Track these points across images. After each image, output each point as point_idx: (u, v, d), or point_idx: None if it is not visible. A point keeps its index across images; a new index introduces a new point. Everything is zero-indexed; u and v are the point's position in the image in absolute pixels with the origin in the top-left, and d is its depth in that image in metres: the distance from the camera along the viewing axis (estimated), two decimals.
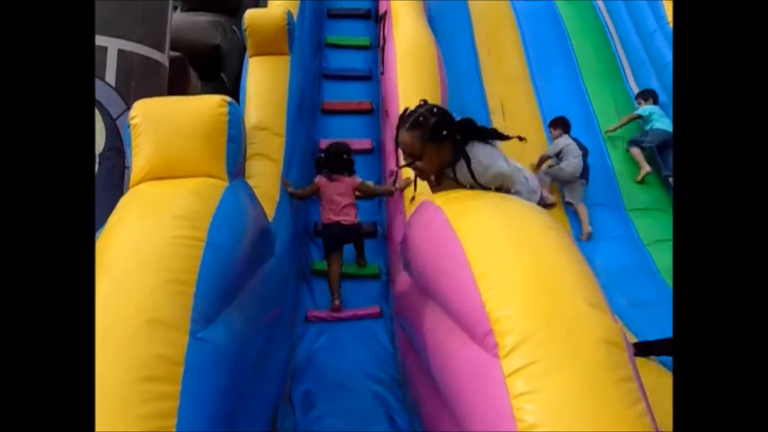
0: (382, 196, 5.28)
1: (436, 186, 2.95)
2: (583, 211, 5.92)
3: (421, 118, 2.76)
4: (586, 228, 5.84)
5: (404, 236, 3.10)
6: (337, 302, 4.57)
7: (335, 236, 4.77)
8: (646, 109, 6.59)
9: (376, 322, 4.50)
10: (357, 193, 4.87)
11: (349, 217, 4.75)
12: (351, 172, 4.86)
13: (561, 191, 6.18)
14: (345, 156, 4.83)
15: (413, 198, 4.71)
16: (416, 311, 2.89)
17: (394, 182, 4.76)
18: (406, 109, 2.88)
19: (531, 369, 1.79)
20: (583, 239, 5.72)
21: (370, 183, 5.01)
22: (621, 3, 7.80)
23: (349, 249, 4.97)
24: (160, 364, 1.88)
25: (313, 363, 4.03)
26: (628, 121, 6.66)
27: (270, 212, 3.85)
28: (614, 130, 6.67)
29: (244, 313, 2.58)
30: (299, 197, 4.85)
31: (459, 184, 2.85)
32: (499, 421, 1.78)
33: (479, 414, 1.92)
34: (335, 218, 4.73)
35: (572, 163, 5.92)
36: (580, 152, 5.96)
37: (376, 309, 4.61)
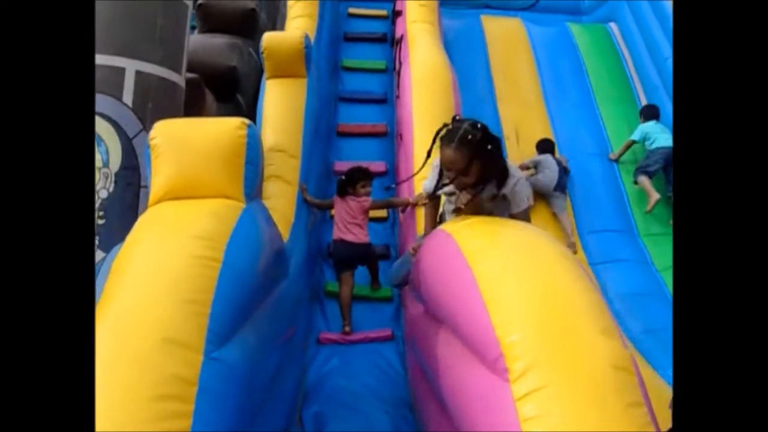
0: (396, 207, 5.27)
1: (470, 201, 3.00)
2: (566, 221, 6.12)
3: (468, 136, 2.77)
4: (569, 239, 5.99)
5: (415, 263, 3.12)
6: (347, 328, 4.58)
7: (341, 253, 4.80)
8: (637, 133, 6.62)
9: (388, 344, 4.49)
10: (368, 214, 4.89)
11: (354, 236, 4.76)
12: (366, 194, 4.89)
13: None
14: (363, 182, 4.84)
15: (404, 209, 4.75)
16: (427, 337, 2.90)
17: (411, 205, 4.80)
18: (444, 126, 2.91)
19: (540, 393, 1.81)
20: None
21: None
22: (636, 29, 7.83)
23: (363, 271, 4.98)
24: (174, 383, 1.90)
25: (324, 385, 4.03)
26: (626, 149, 6.70)
27: (285, 233, 3.89)
28: (617, 159, 6.75)
29: (259, 334, 2.59)
30: (315, 206, 4.98)
31: (494, 199, 2.94)
32: None
33: None
34: (341, 235, 4.78)
35: (547, 174, 6.18)
36: (556, 167, 6.21)
37: (387, 332, 4.60)
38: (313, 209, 5.04)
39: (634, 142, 6.64)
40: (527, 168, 6.37)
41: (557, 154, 6.53)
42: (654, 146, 6.41)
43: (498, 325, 2.00)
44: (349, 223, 4.77)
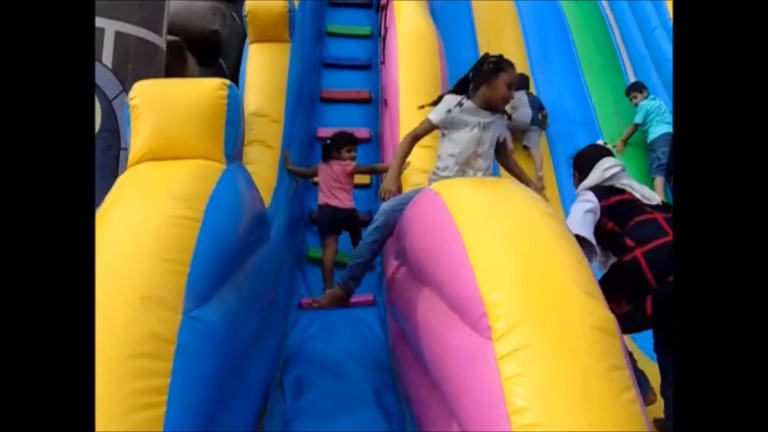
0: (379, 173, 5.22)
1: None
2: (537, 155, 6.36)
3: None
4: (537, 172, 6.14)
5: (401, 222, 3.12)
6: (329, 291, 4.59)
7: (326, 219, 4.82)
8: (640, 114, 6.46)
9: (369, 310, 4.51)
10: (352, 178, 4.91)
11: (339, 201, 4.78)
12: (351, 159, 4.91)
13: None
14: (348, 146, 4.86)
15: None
16: (409, 298, 2.91)
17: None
18: (486, 56, 3.69)
19: (523, 353, 1.82)
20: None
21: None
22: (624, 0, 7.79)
23: (345, 238, 4.98)
24: (152, 341, 1.90)
25: (305, 350, 4.04)
26: (630, 135, 6.58)
27: (267, 198, 3.87)
28: (622, 147, 6.54)
29: (238, 295, 2.59)
30: (297, 174, 4.99)
31: None
32: (490, 403, 1.81)
33: (471, 396, 1.94)
34: (326, 200, 4.79)
35: (522, 112, 6.39)
36: (528, 103, 6.44)
37: (369, 297, 4.62)
38: (296, 178, 5.01)
39: (638, 125, 6.50)
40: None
41: (532, 90, 6.70)
42: (654, 135, 6.33)
43: (483, 283, 2.00)
44: (334, 187, 4.78)
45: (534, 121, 6.43)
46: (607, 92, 7.08)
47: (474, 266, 2.07)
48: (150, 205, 2.32)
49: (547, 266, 2.04)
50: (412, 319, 2.83)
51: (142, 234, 2.19)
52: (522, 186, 2.80)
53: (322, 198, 4.82)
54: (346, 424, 3.19)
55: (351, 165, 4.83)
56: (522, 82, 6.55)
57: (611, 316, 1.95)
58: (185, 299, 2.05)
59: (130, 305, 1.96)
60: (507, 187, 2.65)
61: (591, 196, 3.23)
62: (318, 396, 3.52)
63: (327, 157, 4.83)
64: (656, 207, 3.23)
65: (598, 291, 2.03)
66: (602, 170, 3.34)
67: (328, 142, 4.90)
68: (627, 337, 4.39)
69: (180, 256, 2.14)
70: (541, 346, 1.82)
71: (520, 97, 6.39)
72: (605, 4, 8.23)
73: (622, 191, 3.29)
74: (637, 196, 3.27)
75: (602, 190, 3.27)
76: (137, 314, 1.94)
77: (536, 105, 6.51)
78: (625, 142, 6.60)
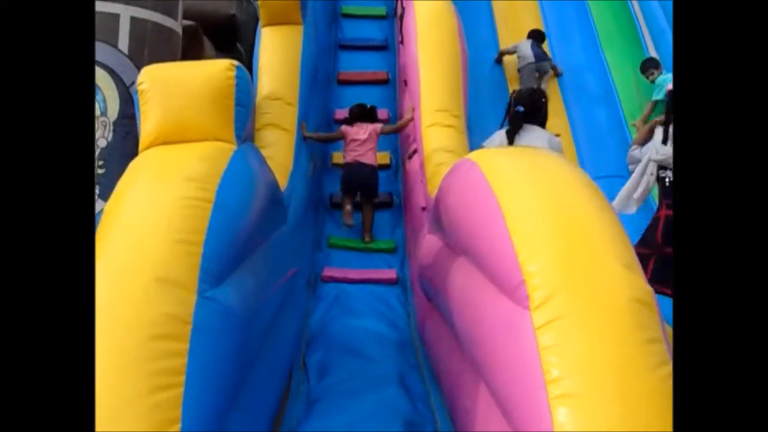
0: (404, 128, 5.29)
1: None
2: None
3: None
4: None
5: (438, 194, 3.11)
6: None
7: (352, 174, 5.03)
8: (658, 90, 6.15)
9: (392, 288, 4.51)
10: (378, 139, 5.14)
11: (368, 159, 5.00)
12: (374, 120, 5.18)
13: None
14: (368, 107, 5.22)
15: (411, 155, 4.77)
16: (445, 270, 2.91)
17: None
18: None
19: (560, 323, 1.80)
20: None
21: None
22: None
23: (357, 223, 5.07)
24: (168, 322, 1.90)
25: (328, 330, 4.05)
26: (650, 112, 6.23)
27: (283, 182, 3.85)
28: (642, 126, 6.27)
29: (256, 277, 2.59)
30: (317, 140, 5.19)
31: None
32: (527, 372, 1.80)
33: (507, 365, 1.94)
34: (354, 156, 5.00)
35: (521, 57, 6.59)
36: (531, 51, 6.55)
37: (392, 273, 4.63)
38: (314, 156, 5.07)
39: (657, 101, 6.14)
40: (508, 53, 6.82)
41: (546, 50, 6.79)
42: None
43: (521, 253, 1.99)
44: (364, 144, 5.02)
45: (538, 69, 6.51)
46: (627, 68, 6.92)
47: (512, 236, 2.06)
48: (162, 188, 2.31)
49: (585, 237, 2.02)
50: (447, 291, 2.82)
51: (156, 216, 2.18)
52: (560, 156, 2.80)
53: (351, 155, 5.02)
54: (370, 403, 3.20)
55: (379, 125, 5.12)
56: (532, 34, 6.78)
57: (649, 289, 1.92)
58: (200, 280, 2.04)
59: (146, 287, 1.96)
60: (545, 156, 2.62)
61: None
62: (342, 377, 3.53)
63: (355, 120, 5.11)
64: None
65: (636, 263, 1.99)
66: None
67: (347, 116, 5.22)
68: None
69: (194, 237, 2.13)
70: (579, 316, 1.81)
71: (520, 45, 6.66)
72: None
73: None
74: None
75: None
76: (153, 296, 1.94)
77: (541, 53, 6.61)
78: (646, 120, 6.41)
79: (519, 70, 6.63)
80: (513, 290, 1.97)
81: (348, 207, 5.00)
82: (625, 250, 2.02)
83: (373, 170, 5.06)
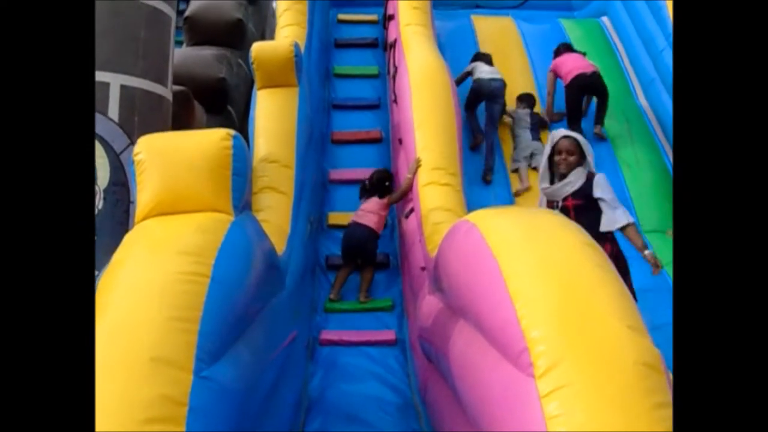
0: (408, 191, 5.14)
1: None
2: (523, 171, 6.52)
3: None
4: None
5: (437, 255, 3.08)
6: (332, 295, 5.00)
7: (348, 235, 5.10)
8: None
9: (390, 349, 4.44)
10: (387, 209, 5.25)
11: (366, 220, 5.07)
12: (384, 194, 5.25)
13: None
14: (387, 183, 5.32)
15: (407, 214, 4.75)
16: (445, 333, 2.87)
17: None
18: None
19: (565, 391, 1.77)
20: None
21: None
22: (629, 21, 7.75)
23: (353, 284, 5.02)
24: (163, 404, 1.84)
25: (326, 396, 3.98)
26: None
27: (280, 246, 3.81)
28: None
29: (253, 349, 2.53)
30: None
31: None
32: None
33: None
34: (355, 219, 5.10)
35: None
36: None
37: (390, 334, 4.56)
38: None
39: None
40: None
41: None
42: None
43: (523, 318, 1.97)
44: (367, 211, 5.10)
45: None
46: (619, 116, 7.01)
47: (514, 300, 2.03)
48: (157, 262, 2.27)
49: (588, 300, 2.00)
50: (448, 354, 2.77)
51: (150, 292, 2.13)
52: (559, 215, 2.78)
53: (353, 218, 5.14)
54: None
55: (386, 198, 5.24)
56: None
57: (657, 351, 1.90)
58: (196, 358, 1.99)
59: (140, 367, 1.90)
60: (544, 215, 2.62)
61: None
62: None
63: (371, 194, 5.23)
64: None
65: (642, 324, 1.96)
66: None
67: (366, 183, 5.37)
68: None
69: (189, 314, 2.08)
70: (584, 384, 1.78)
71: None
72: (609, 25, 8.23)
73: None
74: None
75: None
76: (147, 376, 1.88)
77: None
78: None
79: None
80: (516, 357, 1.93)
81: (341, 277, 5.05)
82: (628, 311, 1.99)
83: (371, 232, 5.04)
